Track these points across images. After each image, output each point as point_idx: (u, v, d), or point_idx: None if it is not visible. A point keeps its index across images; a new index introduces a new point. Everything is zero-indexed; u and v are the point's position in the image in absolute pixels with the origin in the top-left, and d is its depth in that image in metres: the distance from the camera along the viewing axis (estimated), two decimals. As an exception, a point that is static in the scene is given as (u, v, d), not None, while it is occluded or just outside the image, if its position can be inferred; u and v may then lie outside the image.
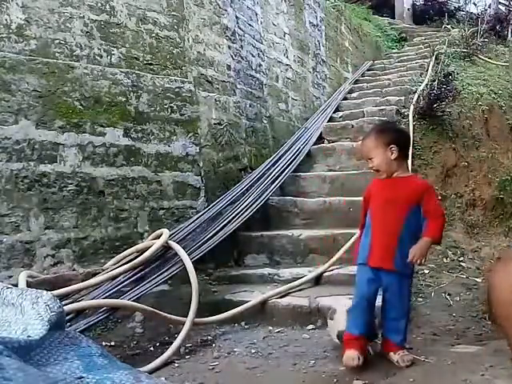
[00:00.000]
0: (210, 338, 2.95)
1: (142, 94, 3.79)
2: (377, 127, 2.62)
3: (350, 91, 7.30)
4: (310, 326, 3.02)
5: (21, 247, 3.08)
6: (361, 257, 2.47)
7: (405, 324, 2.47)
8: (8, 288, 1.52)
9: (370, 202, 2.51)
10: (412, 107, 5.69)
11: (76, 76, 3.45)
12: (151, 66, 3.88)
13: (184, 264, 3.12)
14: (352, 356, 2.34)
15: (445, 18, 11.35)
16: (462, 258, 4.23)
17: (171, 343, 2.69)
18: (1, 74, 3.11)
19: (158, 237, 3.30)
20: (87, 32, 3.54)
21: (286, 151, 5.03)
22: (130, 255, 3.24)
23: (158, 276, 3.08)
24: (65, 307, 2.21)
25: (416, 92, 6.18)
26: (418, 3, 13.99)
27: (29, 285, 2.68)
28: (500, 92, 6.50)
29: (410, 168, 4.80)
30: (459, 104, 5.88)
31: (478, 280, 3.80)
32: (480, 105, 6.06)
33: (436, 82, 5.71)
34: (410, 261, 2.31)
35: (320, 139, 5.61)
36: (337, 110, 6.45)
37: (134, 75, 3.75)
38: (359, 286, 2.46)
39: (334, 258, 3.60)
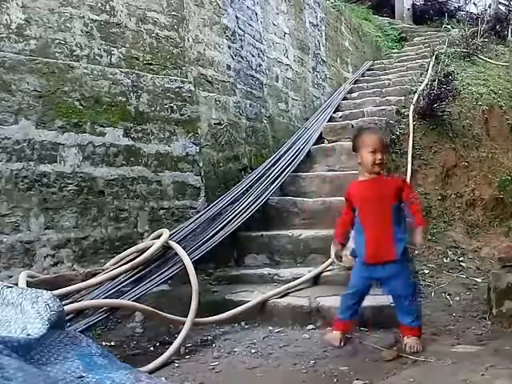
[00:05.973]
0: (210, 337, 2.95)
1: (142, 94, 3.79)
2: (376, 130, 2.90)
3: (350, 91, 7.29)
4: (310, 326, 3.02)
5: (21, 247, 3.08)
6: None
7: (413, 305, 2.61)
8: (8, 287, 1.52)
9: (355, 201, 2.71)
10: (412, 107, 5.69)
11: (76, 76, 3.45)
12: (151, 66, 3.88)
13: (184, 264, 3.12)
14: (337, 337, 2.64)
15: (445, 18, 11.34)
16: (462, 258, 4.23)
17: (171, 343, 2.69)
18: (1, 74, 3.11)
19: (158, 237, 3.30)
20: (87, 32, 3.54)
21: (286, 151, 5.02)
22: (130, 255, 3.24)
23: (158, 276, 3.08)
24: (65, 307, 2.21)
25: (416, 92, 6.17)
26: (418, 3, 13.96)
27: (29, 285, 2.68)
28: (500, 92, 6.49)
29: (410, 168, 4.85)
30: (459, 104, 5.88)
31: (478, 280, 3.80)
32: (480, 105, 6.06)
33: (436, 82, 5.70)
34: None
35: (320, 139, 5.60)
36: (337, 109, 6.44)
37: (134, 75, 3.75)
38: (356, 280, 2.71)
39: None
